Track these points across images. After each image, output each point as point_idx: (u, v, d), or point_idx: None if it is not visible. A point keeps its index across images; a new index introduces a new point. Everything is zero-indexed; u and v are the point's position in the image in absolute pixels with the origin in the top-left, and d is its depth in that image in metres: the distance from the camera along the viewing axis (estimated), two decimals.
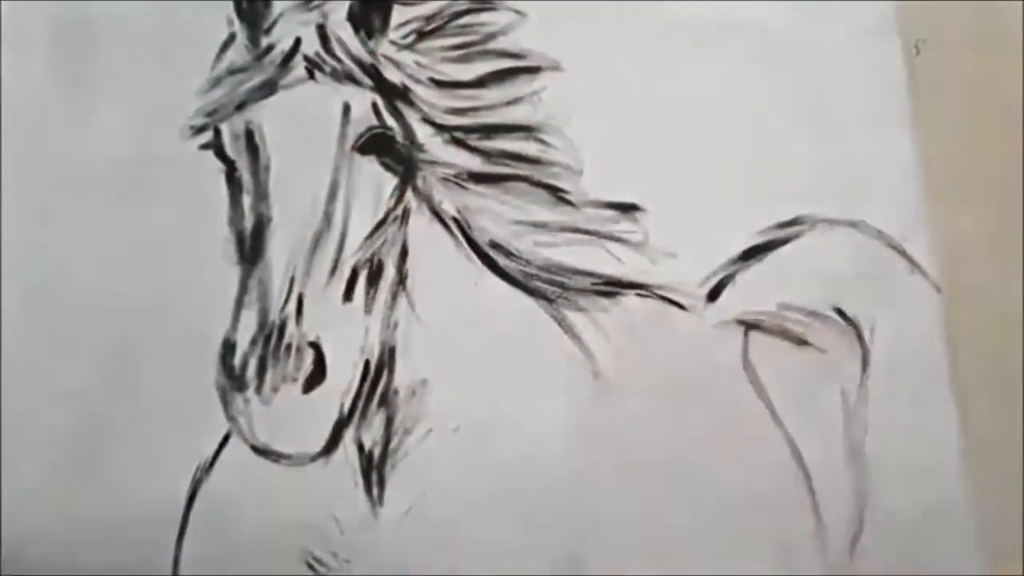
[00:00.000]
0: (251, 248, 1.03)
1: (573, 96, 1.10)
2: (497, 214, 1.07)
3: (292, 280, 1.00)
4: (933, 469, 1.08)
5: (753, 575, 1.04)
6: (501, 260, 1.07)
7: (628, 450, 1.05)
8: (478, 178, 1.08)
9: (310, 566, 1.01)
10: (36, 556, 1.01)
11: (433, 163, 1.07)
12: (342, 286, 1.02)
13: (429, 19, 1.08)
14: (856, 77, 1.15)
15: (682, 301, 1.09)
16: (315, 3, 1.05)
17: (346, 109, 1.03)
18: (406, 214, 1.06)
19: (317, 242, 1.01)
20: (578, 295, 1.08)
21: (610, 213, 1.09)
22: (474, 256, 1.07)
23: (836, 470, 1.07)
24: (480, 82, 1.08)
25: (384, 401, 1.04)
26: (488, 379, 1.06)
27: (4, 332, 1.06)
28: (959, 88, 1.16)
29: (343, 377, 1.01)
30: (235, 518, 1.02)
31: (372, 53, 1.06)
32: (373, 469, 1.03)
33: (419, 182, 1.07)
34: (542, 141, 1.09)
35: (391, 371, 1.04)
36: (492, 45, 1.10)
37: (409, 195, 1.06)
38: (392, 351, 1.05)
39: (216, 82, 1.06)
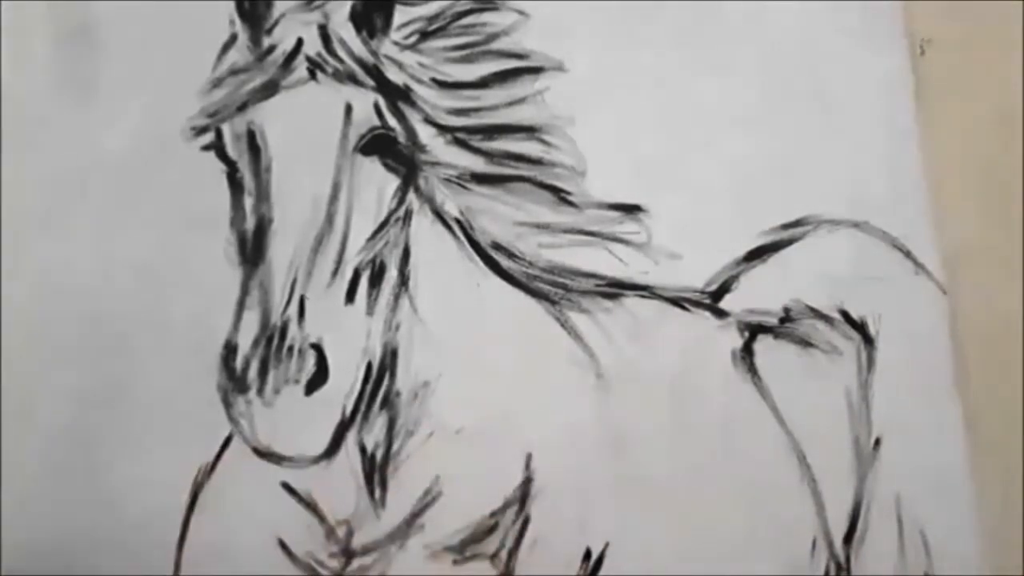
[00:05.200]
0: (253, 249, 1.02)
1: (576, 97, 1.10)
2: (499, 215, 1.07)
3: (294, 281, 1.00)
4: (938, 470, 1.08)
5: (756, 574, 1.04)
6: (504, 261, 1.07)
7: (630, 451, 1.05)
8: (480, 179, 1.07)
9: (312, 568, 1.01)
10: (37, 558, 1.01)
11: (435, 164, 1.07)
12: (344, 287, 1.02)
13: (431, 19, 1.08)
14: (861, 77, 1.15)
15: (685, 302, 1.09)
16: (317, 3, 1.05)
17: (348, 110, 1.03)
18: (408, 215, 1.06)
19: (319, 243, 1.01)
20: (581, 296, 1.08)
21: (613, 214, 1.09)
22: (476, 257, 1.07)
23: (840, 471, 1.07)
24: (483, 83, 1.08)
25: (386, 403, 1.04)
26: (491, 381, 1.05)
27: (4, 333, 1.05)
28: (964, 88, 1.16)
29: (345, 379, 1.01)
30: (237, 520, 1.02)
31: (374, 53, 1.05)
32: (375, 471, 1.03)
33: (421, 183, 1.06)
34: (545, 142, 1.09)
35: (393, 373, 1.04)
36: (495, 45, 1.10)
37: (411, 196, 1.06)
38: (394, 353, 1.04)
39: (218, 83, 1.06)
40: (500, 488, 1.03)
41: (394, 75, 1.06)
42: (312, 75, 1.04)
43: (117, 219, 1.08)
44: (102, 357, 1.05)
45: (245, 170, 1.04)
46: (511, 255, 1.07)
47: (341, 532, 1.02)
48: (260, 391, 0.97)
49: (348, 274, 1.02)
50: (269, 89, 1.04)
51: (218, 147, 1.05)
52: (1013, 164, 1.15)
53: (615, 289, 1.08)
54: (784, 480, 1.05)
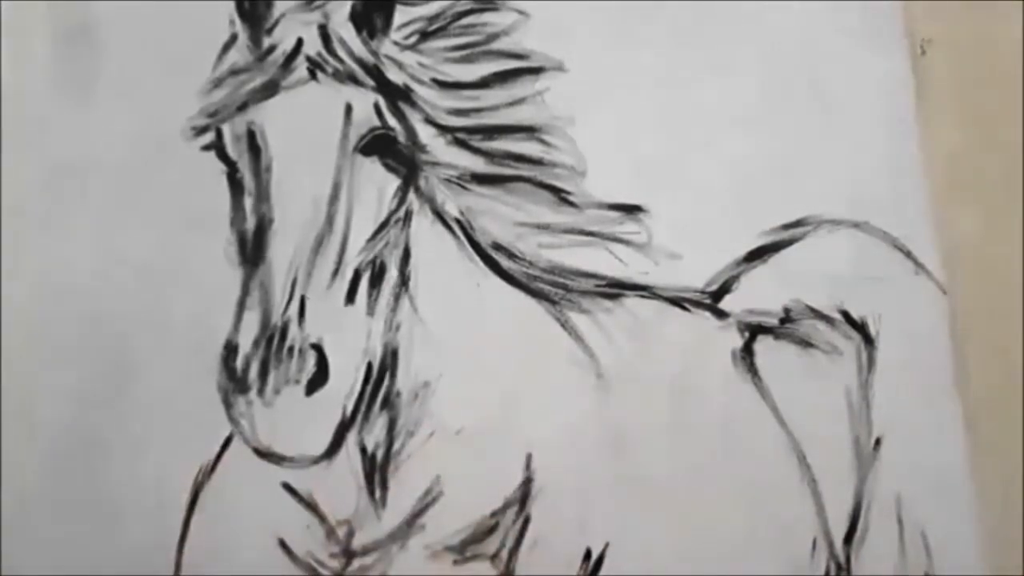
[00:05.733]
0: (253, 249, 1.02)
1: (576, 97, 1.10)
2: (500, 215, 1.07)
3: (294, 282, 1.00)
4: (938, 470, 1.08)
5: (756, 574, 1.04)
6: (504, 262, 1.07)
7: (631, 451, 1.05)
8: (481, 179, 1.07)
9: (312, 568, 1.01)
10: (37, 558, 1.01)
11: (436, 164, 1.07)
12: (344, 288, 1.02)
13: (432, 19, 1.08)
14: (861, 77, 1.15)
15: (685, 303, 1.09)
16: (317, 3, 1.05)
17: (348, 110, 1.03)
18: (408, 216, 1.06)
19: (319, 244, 1.01)
20: (581, 297, 1.08)
21: (613, 214, 1.09)
22: (477, 258, 1.07)
23: (840, 471, 1.07)
24: (483, 83, 1.08)
25: (387, 403, 1.04)
26: (491, 381, 1.05)
27: (4, 333, 1.05)
28: (964, 88, 1.16)
29: (345, 379, 1.01)
30: (237, 520, 1.02)
31: (374, 53, 1.05)
32: (376, 471, 1.03)
33: (422, 183, 1.06)
34: (545, 142, 1.09)
35: (393, 373, 1.04)
36: (495, 45, 1.10)
37: (412, 196, 1.06)
38: (395, 353, 1.04)
39: (218, 83, 1.06)
40: (500, 488, 1.03)
41: (394, 75, 1.06)
42: (312, 75, 1.03)
43: (117, 219, 1.08)
44: (102, 357, 1.05)
45: (245, 170, 1.03)
46: (511, 255, 1.07)
47: (342, 532, 1.02)
48: (260, 391, 0.97)
49: (348, 274, 1.02)
50: (269, 89, 1.04)
51: (218, 147, 1.05)
52: (1013, 164, 1.15)
53: (615, 289, 1.08)
54: (784, 480, 1.05)
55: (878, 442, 1.07)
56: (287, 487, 1.02)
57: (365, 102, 1.04)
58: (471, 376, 1.05)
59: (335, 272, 1.01)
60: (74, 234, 1.08)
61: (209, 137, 1.05)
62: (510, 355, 1.06)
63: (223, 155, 1.04)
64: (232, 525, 1.02)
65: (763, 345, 1.08)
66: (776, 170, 1.12)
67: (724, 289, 1.09)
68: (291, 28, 1.04)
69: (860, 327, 1.09)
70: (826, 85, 1.14)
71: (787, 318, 1.09)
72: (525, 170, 1.08)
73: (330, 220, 1.02)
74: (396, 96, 1.05)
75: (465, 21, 1.09)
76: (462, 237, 1.07)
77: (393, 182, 1.05)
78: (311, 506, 1.02)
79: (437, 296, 1.06)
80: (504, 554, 1.02)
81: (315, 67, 1.03)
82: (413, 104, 1.06)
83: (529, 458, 1.04)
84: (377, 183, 1.04)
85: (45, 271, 1.07)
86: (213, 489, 1.02)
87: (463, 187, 1.07)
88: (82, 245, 1.08)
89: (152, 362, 1.05)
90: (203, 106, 1.06)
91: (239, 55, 1.06)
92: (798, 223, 1.11)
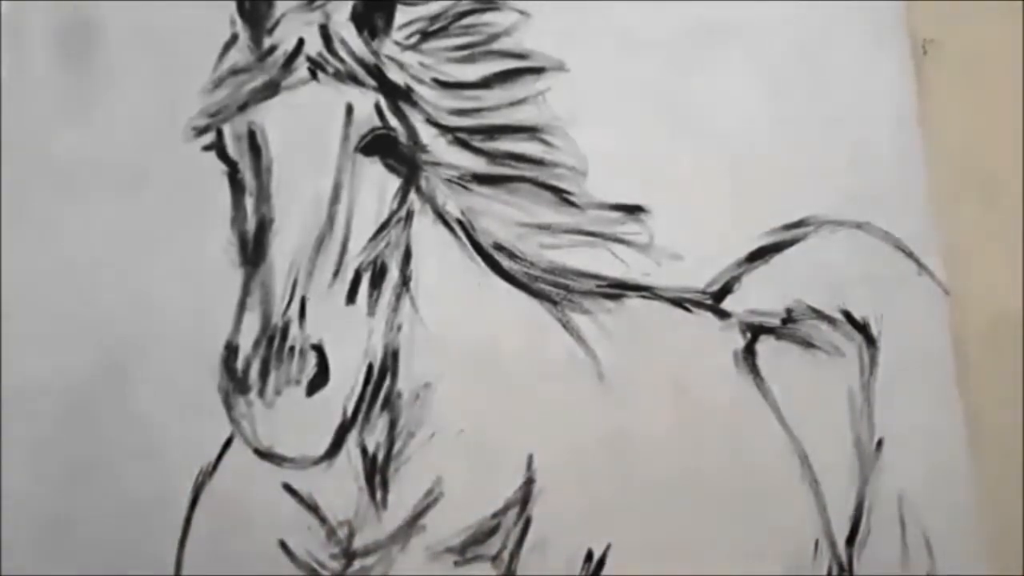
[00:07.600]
0: (253, 250, 1.02)
1: (577, 97, 1.10)
2: (501, 216, 1.07)
3: (295, 282, 1.00)
4: (940, 470, 1.08)
5: (758, 575, 1.03)
6: (505, 262, 1.07)
7: (632, 452, 1.05)
8: (482, 179, 1.07)
9: (313, 569, 1.01)
10: (37, 557, 1.01)
11: (437, 164, 1.06)
12: (345, 288, 1.01)
13: (433, 19, 1.08)
14: (863, 77, 1.15)
15: (687, 303, 1.08)
16: (318, 3, 1.05)
17: (349, 110, 1.03)
18: (410, 216, 1.06)
19: (320, 244, 1.01)
20: (582, 297, 1.08)
21: (615, 215, 1.09)
22: (478, 258, 1.07)
23: (842, 472, 1.07)
24: (484, 83, 1.08)
25: (387, 404, 1.03)
26: (492, 382, 1.05)
27: (5, 334, 1.05)
28: (966, 89, 1.16)
29: (346, 380, 1.01)
30: (238, 521, 1.02)
31: (375, 53, 1.05)
32: (376, 472, 1.03)
33: (423, 183, 1.06)
34: (546, 142, 1.09)
35: (394, 374, 1.04)
36: (496, 45, 1.10)
37: (413, 196, 1.06)
38: (396, 354, 1.04)
39: (218, 83, 1.06)
40: (502, 489, 1.03)
41: (395, 75, 1.05)
42: (313, 75, 1.03)
43: (118, 219, 1.08)
44: (102, 357, 1.05)
45: (246, 170, 1.03)
46: (513, 256, 1.07)
47: (342, 533, 1.02)
48: (261, 392, 0.97)
49: (349, 275, 1.02)
50: (270, 89, 1.03)
51: (219, 147, 1.04)
52: (1015, 165, 1.15)
53: (617, 290, 1.08)
54: (786, 481, 1.05)
55: (880, 443, 1.07)
56: (288, 488, 1.02)
57: (366, 102, 1.04)
58: (472, 377, 1.05)
59: (336, 272, 1.01)
60: (75, 235, 1.08)
61: (210, 137, 1.05)
62: (511, 356, 1.06)
63: (224, 155, 1.04)
64: (232, 526, 1.02)
65: (765, 346, 1.08)
66: (777, 170, 1.12)
67: (726, 290, 1.09)
68: (292, 28, 1.04)
69: (862, 328, 1.09)
70: (828, 85, 1.14)
71: (789, 319, 1.09)
72: (526, 170, 1.08)
73: (331, 220, 1.01)
74: (397, 96, 1.05)
75: (466, 21, 1.09)
76: (463, 237, 1.06)
77: (394, 182, 1.05)
78: (312, 507, 1.02)
79: (438, 297, 1.06)
80: (505, 555, 1.02)
81: (316, 67, 1.03)
82: (414, 104, 1.06)
83: (530, 459, 1.04)
84: (378, 183, 1.04)
85: (45, 271, 1.07)
86: (213, 490, 1.02)
87: (464, 187, 1.07)
88: (83, 246, 1.07)
89: (152, 363, 1.04)
90: (204, 106, 1.06)
91: (240, 55, 1.06)
92: (800, 223, 1.11)
